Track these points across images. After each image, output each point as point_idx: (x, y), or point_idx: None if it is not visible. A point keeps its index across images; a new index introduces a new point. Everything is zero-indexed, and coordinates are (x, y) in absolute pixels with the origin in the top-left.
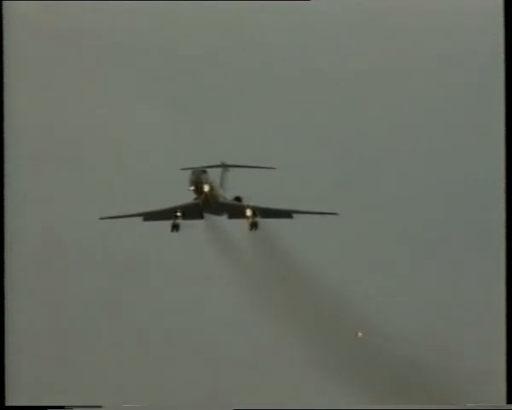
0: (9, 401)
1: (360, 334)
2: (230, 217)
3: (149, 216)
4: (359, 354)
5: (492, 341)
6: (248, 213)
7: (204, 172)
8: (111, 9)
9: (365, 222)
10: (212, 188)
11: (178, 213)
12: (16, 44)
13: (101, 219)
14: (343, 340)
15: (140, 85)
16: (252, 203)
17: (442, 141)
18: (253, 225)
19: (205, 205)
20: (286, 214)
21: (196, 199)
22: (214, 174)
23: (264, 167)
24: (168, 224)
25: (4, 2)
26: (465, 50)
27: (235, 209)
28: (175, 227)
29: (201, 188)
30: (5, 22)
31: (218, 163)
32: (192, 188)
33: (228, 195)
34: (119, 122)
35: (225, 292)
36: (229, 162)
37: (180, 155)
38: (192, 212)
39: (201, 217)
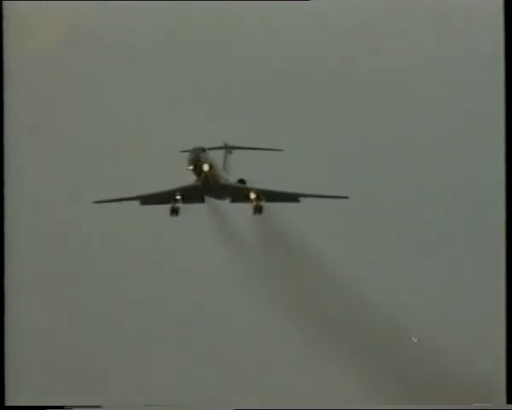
0: (9, 401)
1: (415, 339)
2: (233, 200)
3: (147, 199)
4: (359, 353)
5: (492, 341)
6: (252, 196)
7: (203, 150)
8: (111, 9)
9: (364, 221)
10: (211, 167)
11: (178, 197)
12: (16, 44)
13: (96, 202)
14: (344, 340)
15: (141, 76)
16: (256, 186)
17: (442, 141)
18: (258, 209)
19: (205, 187)
20: (292, 198)
21: (197, 181)
22: (218, 158)
23: (271, 149)
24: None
25: (4, 2)
26: (465, 50)
27: (237, 192)
28: (174, 211)
29: (200, 167)
30: (5, 22)
31: (221, 145)
32: (191, 167)
33: (231, 178)
34: (119, 110)
35: (227, 289)
36: (233, 144)
37: (183, 139)
38: (192, 195)
39: (202, 200)
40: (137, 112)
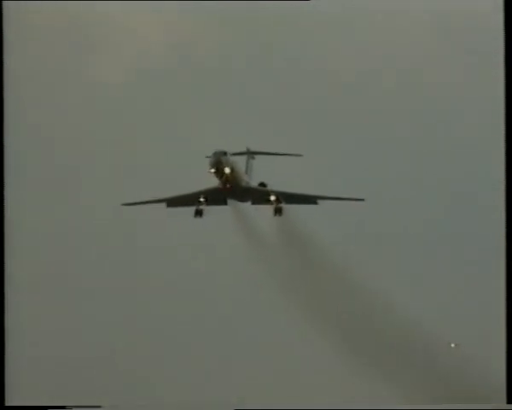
0: (9, 401)
1: (453, 345)
2: (254, 203)
3: (173, 202)
4: (358, 354)
5: (492, 341)
6: (272, 198)
7: (225, 153)
8: (111, 9)
9: (365, 221)
10: (232, 170)
11: (202, 199)
12: (16, 44)
13: (124, 205)
14: (349, 340)
15: (149, 77)
16: (276, 189)
17: (442, 141)
18: (278, 211)
19: (227, 189)
20: (311, 200)
21: (219, 184)
22: (240, 162)
23: (291, 154)
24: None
25: (4, 2)
26: (465, 50)
27: (258, 194)
28: (198, 213)
29: (222, 170)
30: (5, 22)
31: (244, 150)
32: (212, 170)
33: (253, 181)
34: (144, 113)
35: (243, 287)
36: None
37: (206, 144)
38: (215, 197)
39: (225, 202)
40: (160, 115)
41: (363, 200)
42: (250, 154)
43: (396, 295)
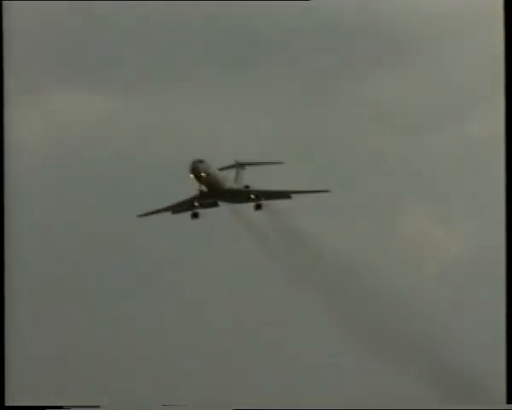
0: (9, 401)
1: None
2: (240, 202)
3: (176, 208)
4: (354, 352)
5: (492, 341)
6: (252, 196)
7: (201, 161)
8: (111, 9)
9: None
10: (209, 175)
11: (196, 204)
12: (16, 44)
13: (139, 216)
14: (347, 344)
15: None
16: (254, 188)
17: (442, 141)
18: (258, 207)
19: (211, 191)
20: (285, 195)
21: (202, 188)
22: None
23: (273, 163)
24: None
25: (4, 2)
26: (465, 50)
27: (240, 194)
28: (194, 215)
29: (199, 175)
30: (5, 22)
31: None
32: (192, 176)
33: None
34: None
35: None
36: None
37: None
38: (207, 201)
39: (216, 204)
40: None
41: (328, 191)
42: (238, 165)
43: (395, 295)
